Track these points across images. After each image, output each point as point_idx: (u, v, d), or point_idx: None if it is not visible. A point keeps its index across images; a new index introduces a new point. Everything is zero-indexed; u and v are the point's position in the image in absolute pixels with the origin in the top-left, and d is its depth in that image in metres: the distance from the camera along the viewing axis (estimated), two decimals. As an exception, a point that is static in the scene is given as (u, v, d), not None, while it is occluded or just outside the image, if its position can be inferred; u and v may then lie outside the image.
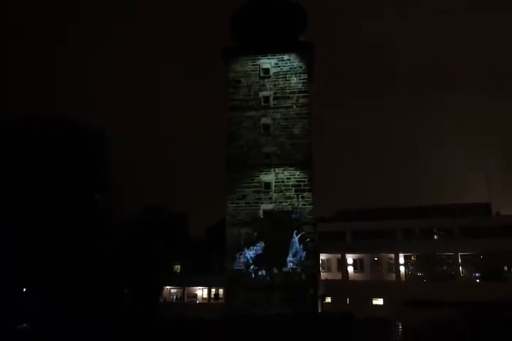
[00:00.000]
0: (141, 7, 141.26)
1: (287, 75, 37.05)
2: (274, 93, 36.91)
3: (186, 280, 51.50)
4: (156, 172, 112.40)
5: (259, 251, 34.04)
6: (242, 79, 37.67)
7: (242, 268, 34.07)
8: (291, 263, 33.26)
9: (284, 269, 33.27)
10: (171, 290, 53.38)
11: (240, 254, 34.22)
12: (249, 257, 34.16)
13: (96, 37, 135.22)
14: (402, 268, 48.38)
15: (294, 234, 33.66)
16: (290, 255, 33.43)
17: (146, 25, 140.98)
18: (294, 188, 34.97)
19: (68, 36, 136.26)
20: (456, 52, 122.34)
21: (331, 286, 44.27)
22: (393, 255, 48.28)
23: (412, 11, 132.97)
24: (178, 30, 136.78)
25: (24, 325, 35.08)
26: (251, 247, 34.21)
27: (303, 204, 34.67)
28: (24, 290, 36.01)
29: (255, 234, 34.65)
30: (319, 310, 34.65)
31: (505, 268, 46.30)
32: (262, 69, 37.54)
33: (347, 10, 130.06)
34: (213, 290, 50.74)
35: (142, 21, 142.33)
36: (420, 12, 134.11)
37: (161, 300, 50.36)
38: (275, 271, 33.51)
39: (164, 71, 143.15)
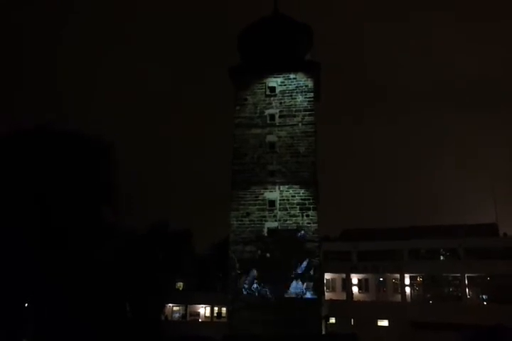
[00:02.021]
0: (143, 15, 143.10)
1: (293, 94, 37.24)
2: (280, 111, 37.05)
3: (189, 298, 51.04)
4: (161, 184, 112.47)
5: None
6: (248, 97, 37.87)
7: (246, 287, 33.75)
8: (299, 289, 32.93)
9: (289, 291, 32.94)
10: (173, 307, 52.88)
11: (245, 276, 33.89)
12: (252, 278, 33.84)
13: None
14: (407, 289, 47.80)
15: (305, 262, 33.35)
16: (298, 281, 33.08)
17: (149, 29, 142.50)
18: (298, 206, 34.79)
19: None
20: (457, 65, 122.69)
21: (335, 307, 43.63)
22: (399, 275, 47.76)
23: (413, 18, 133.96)
24: (181, 35, 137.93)
25: (24, 340, 34.84)
26: (253, 270, 33.90)
27: (308, 223, 34.45)
28: (26, 305, 35.78)
29: (259, 252, 34.43)
30: (323, 331, 34.10)
31: (513, 290, 45.57)
32: (268, 87, 37.75)
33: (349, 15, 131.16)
34: (216, 309, 50.18)
35: (146, 26, 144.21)
36: (421, 22, 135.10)
37: (163, 317, 49.82)
38: (279, 290, 33.16)
39: (165, 77, 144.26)
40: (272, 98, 37.54)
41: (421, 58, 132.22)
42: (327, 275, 49.60)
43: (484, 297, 46.53)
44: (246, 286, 33.79)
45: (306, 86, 37.37)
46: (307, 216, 34.54)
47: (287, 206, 34.93)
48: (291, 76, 37.66)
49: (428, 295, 48.28)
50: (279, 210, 34.97)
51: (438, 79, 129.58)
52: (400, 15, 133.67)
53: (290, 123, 36.63)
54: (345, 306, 46.10)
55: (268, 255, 34.03)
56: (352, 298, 48.81)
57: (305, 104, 36.93)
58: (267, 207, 35.13)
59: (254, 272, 33.92)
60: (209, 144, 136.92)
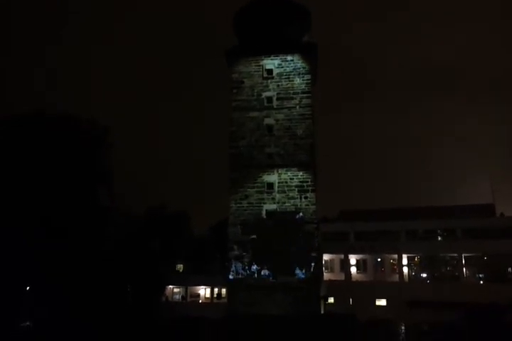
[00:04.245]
0: (144, 15, 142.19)
1: (290, 76, 36.97)
2: (277, 94, 36.84)
3: (189, 280, 51.53)
4: (160, 169, 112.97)
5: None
6: (245, 80, 37.60)
7: (245, 268, 34.09)
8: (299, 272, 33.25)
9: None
10: (173, 289, 53.40)
11: (244, 258, 34.23)
12: (251, 259, 34.17)
13: (98, 38, 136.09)
14: (405, 269, 48.23)
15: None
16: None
17: (149, 29, 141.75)
18: (297, 189, 34.92)
19: (69, 37, 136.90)
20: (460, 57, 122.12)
21: (333, 287, 44.12)
22: (396, 256, 48.15)
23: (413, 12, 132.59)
24: (181, 35, 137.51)
25: (27, 323, 35.29)
26: (252, 252, 34.16)
27: (306, 205, 34.62)
28: (27, 288, 36.15)
29: (258, 234, 34.60)
30: (322, 311, 34.61)
31: (510, 269, 46.10)
32: (266, 69, 37.47)
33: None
34: (216, 290, 50.70)
35: (143, 21, 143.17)
36: (422, 13, 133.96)
37: (164, 299, 50.39)
38: (278, 271, 33.51)
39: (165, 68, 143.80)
40: (269, 80, 37.27)
41: (413, 47, 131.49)
42: (325, 256, 49.97)
43: (481, 276, 47.04)
44: (245, 267, 34.14)
45: (304, 68, 37.07)
46: (305, 198, 34.69)
47: (286, 188, 35.05)
48: (289, 58, 37.33)
49: (425, 275, 48.80)
50: (278, 193, 35.10)
51: (434, 68, 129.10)
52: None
53: (287, 105, 36.46)
54: (344, 286, 46.55)
55: (267, 237, 34.27)
56: (350, 278, 49.25)
57: (302, 86, 36.70)
58: (266, 190, 35.27)
59: (254, 254, 34.23)
60: (209, 129, 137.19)
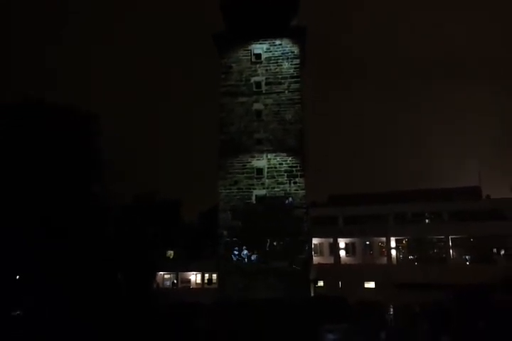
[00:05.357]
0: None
1: (279, 60, 36.73)
2: (266, 78, 36.60)
3: (180, 266, 51.71)
4: (149, 157, 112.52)
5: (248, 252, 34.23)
6: (233, 65, 37.29)
7: (236, 253, 34.26)
8: None
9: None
10: (164, 275, 53.59)
11: (234, 243, 34.38)
12: (241, 245, 34.34)
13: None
14: (393, 252, 48.88)
15: None
16: None
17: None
18: (286, 174, 34.98)
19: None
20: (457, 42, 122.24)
21: (323, 270, 44.58)
22: (385, 239, 48.73)
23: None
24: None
25: (18, 312, 35.19)
26: (242, 237, 34.31)
27: (295, 190, 34.74)
28: (17, 277, 36.00)
29: (248, 219, 34.70)
30: (312, 294, 35.01)
31: (495, 250, 46.94)
32: (254, 54, 37.15)
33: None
34: (206, 275, 50.99)
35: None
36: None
37: (155, 285, 50.55)
38: (268, 256, 33.73)
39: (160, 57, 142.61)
40: (257, 65, 36.98)
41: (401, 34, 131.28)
42: (315, 240, 50.38)
43: (467, 257, 47.85)
44: (236, 253, 34.31)
45: (292, 52, 36.82)
46: (295, 183, 34.79)
47: (275, 174, 35.10)
48: (277, 42, 37.03)
49: (413, 257, 49.50)
50: (267, 178, 35.14)
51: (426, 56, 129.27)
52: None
53: (276, 90, 36.28)
54: (333, 269, 47.04)
55: (257, 222, 34.40)
56: (339, 261, 49.82)
57: (291, 70, 36.50)
58: (255, 175, 35.29)
59: (244, 239, 34.37)
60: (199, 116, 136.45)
